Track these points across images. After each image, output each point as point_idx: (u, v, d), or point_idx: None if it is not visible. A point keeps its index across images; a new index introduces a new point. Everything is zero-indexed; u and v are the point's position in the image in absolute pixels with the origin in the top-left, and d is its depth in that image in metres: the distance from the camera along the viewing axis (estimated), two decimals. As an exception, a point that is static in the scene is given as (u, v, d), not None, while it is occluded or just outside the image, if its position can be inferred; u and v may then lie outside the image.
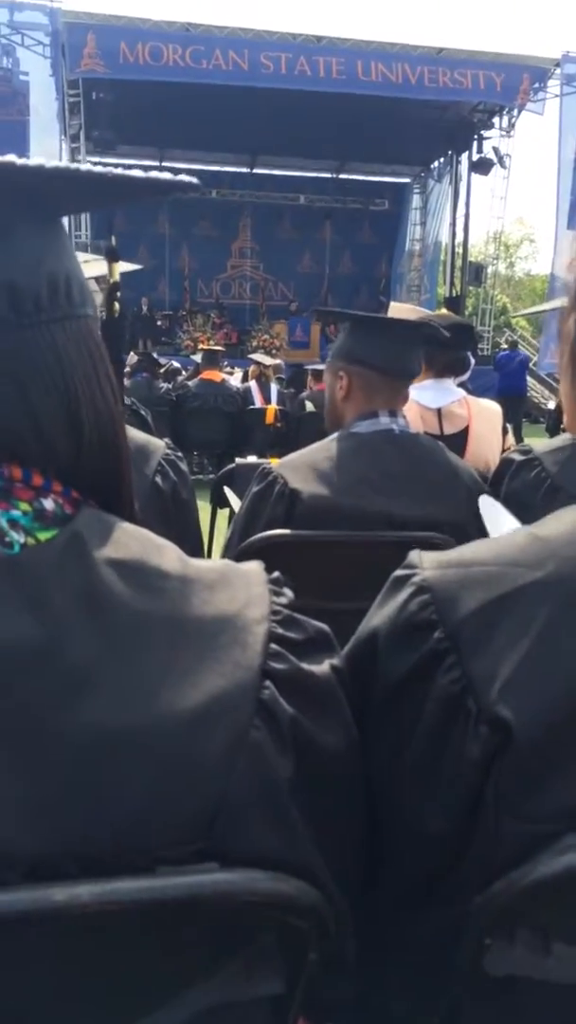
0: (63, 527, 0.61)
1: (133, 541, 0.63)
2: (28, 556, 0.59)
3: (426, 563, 0.72)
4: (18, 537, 0.60)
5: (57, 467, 0.64)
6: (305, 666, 0.64)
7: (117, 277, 1.05)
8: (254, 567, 0.70)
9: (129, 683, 0.57)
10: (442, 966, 0.68)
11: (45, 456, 0.63)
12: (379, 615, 0.73)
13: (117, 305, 1.04)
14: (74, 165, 0.61)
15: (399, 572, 0.74)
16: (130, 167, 0.69)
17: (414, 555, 0.74)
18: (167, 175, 0.63)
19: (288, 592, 0.68)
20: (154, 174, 0.63)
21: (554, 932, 0.67)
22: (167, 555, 0.64)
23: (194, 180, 0.61)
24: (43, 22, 15.33)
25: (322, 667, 0.65)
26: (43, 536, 0.61)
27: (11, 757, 0.55)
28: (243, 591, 0.65)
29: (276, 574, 0.70)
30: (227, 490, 2.67)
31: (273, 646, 0.63)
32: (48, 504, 0.62)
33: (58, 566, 0.59)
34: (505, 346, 15.61)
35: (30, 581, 0.58)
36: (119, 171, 0.62)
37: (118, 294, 1.04)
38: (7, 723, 0.56)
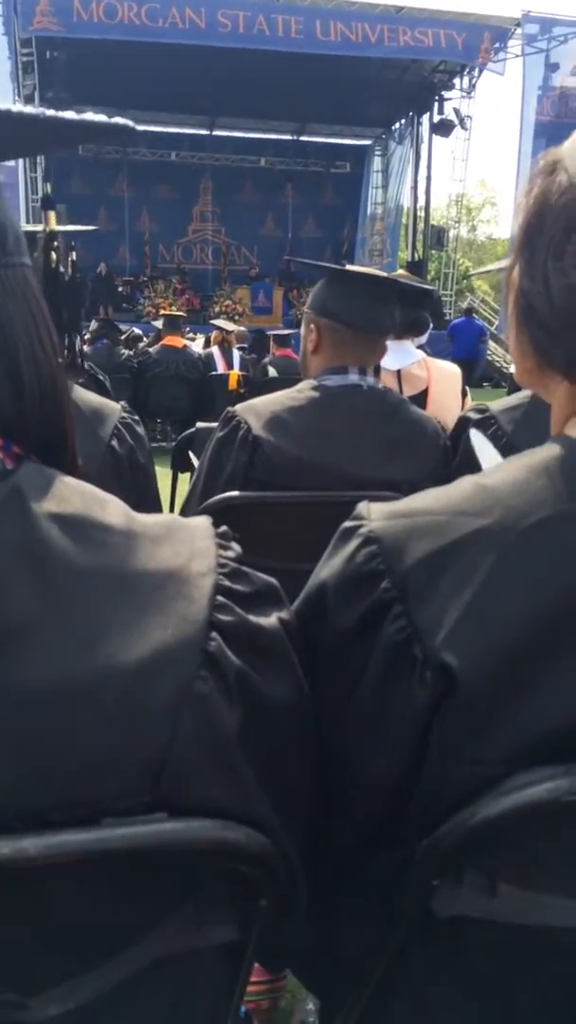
0: (3, 482, 0.60)
1: (75, 495, 0.63)
2: None
3: (374, 514, 0.72)
4: None
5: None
6: (252, 618, 0.64)
7: (54, 226, 1.03)
8: (201, 521, 0.70)
9: (71, 637, 0.57)
10: (391, 909, 0.69)
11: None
12: (327, 567, 0.73)
13: (55, 255, 1.02)
14: (4, 106, 0.59)
15: (347, 524, 0.74)
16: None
17: (362, 506, 0.74)
18: (101, 117, 0.61)
19: (235, 546, 0.68)
20: (89, 116, 0.61)
21: (500, 873, 0.68)
22: (110, 509, 0.64)
23: (129, 123, 0.59)
24: (-8, -23, 14.88)
25: (270, 619, 0.65)
26: None
27: None
28: (188, 545, 0.65)
29: (223, 528, 0.69)
30: (191, 454, 2.65)
31: (219, 598, 0.63)
32: None
33: None
34: (460, 315, 15.58)
35: None
36: (51, 113, 0.60)
37: (56, 244, 1.02)
38: None
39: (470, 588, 0.64)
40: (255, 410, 1.81)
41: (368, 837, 0.71)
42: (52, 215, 1.02)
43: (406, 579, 0.66)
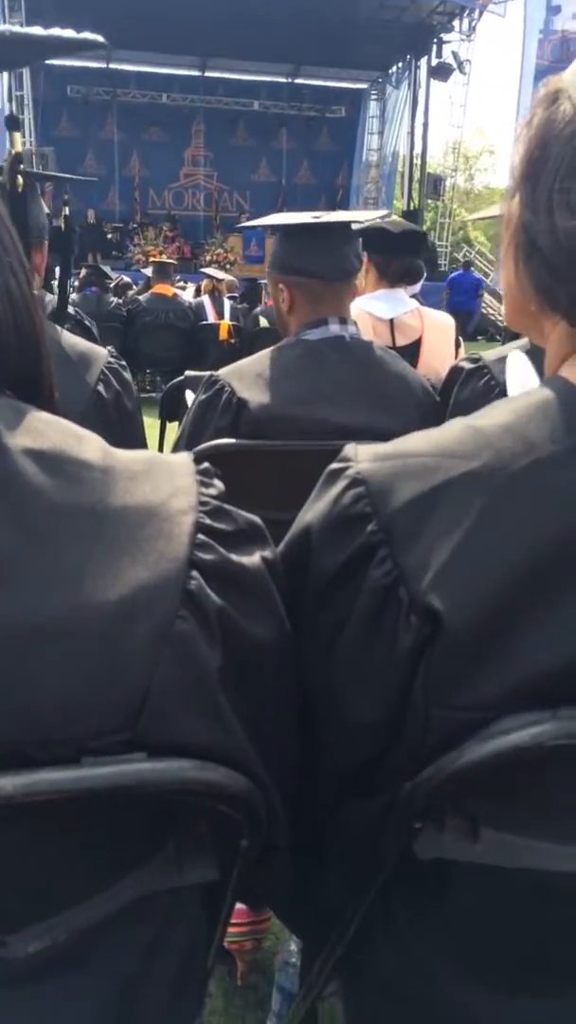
0: None
1: (52, 430, 0.61)
2: None
3: (361, 456, 0.71)
4: None
5: None
6: (234, 557, 0.63)
7: (19, 148, 1.00)
8: (182, 457, 0.68)
9: (49, 574, 0.56)
10: (374, 851, 0.69)
11: None
12: (313, 509, 0.72)
13: (20, 179, 0.99)
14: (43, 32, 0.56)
15: (334, 465, 0.72)
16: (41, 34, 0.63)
17: (349, 448, 0.73)
18: (70, 33, 0.58)
19: (218, 483, 0.67)
20: (56, 31, 0.58)
21: (482, 817, 0.68)
22: (88, 445, 0.62)
23: (99, 38, 0.56)
24: None
25: (252, 558, 0.64)
26: None
27: None
28: (168, 481, 0.64)
29: (205, 465, 0.68)
30: (188, 393, 2.61)
31: (200, 536, 0.61)
32: None
33: None
34: (459, 267, 15.62)
35: None
36: (18, 30, 0.57)
37: (21, 167, 0.99)
38: None
39: (458, 531, 0.63)
40: (238, 372, 1.80)
41: (351, 781, 0.71)
42: (17, 136, 0.99)
43: (393, 521, 0.65)
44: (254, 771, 0.63)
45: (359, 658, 0.66)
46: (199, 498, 0.64)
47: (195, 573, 0.60)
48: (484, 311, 16.63)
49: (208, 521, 0.63)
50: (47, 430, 0.60)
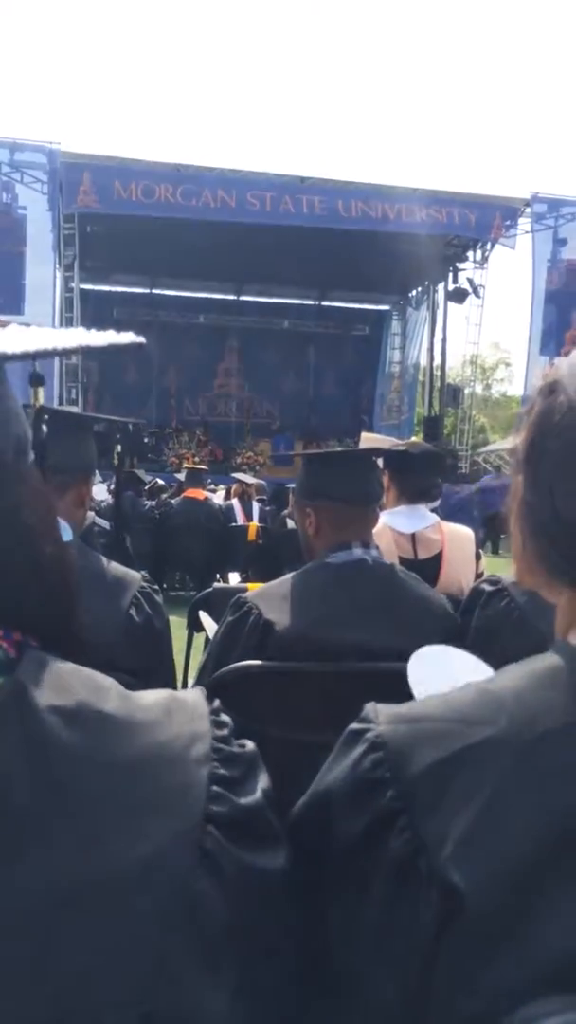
0: (8, 675, 0.62)
1: (76, 684, 0.64)
2: None
3: (381, 718, 0.73)
4: None
5: (3, 614, 0.65)
6: (243, 802, 0.64)
7: (41, 401, 1.16)
8: (196, 698, 0.71)
9: (73, 835, 0.57)
10: None
11: (2, 608, 0.65)
12: (333, 772, 0.73)
13: (44, 428, 1.15)
14: (50, 344, 0.65)
15: (354, 726, 0.74)
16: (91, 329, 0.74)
17: (369, 708, 0.75)
18: (126, 337, 0.68)
19: (227, 720, 0.70)
20: (111, 334, 0.68)
21: None
22: (109, 695, 0.65)
23: (140, 339, 0.67)
24: (42, 161, 16.25)
25: (255, 797, 0.66)
26: None
27: None
28: (187, 726, 0.66)
29: (216, 703, 0.71)
30: (203, 615, 2.68)
31: (214, 788, 0.63)
32: None
33: (1, 718, 0.60)
34: (491, 470, 16.39)
35: None
36: (83, 342, 0.67)
37: (45, 417, 1.16)
38: None
39: (477, 800, 0.64)
40: (264, 595, 1.87)
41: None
42: (40, 391, 1.14)
43: (413, 788, 0.66)
44: None
45: (381, 931, 0.65)
46: (212, 745, 0.66)
47: (211, 828, 0.61)
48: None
49: (221, 771, 0.65)
50: (72, 684, 0.64)
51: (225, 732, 0.68)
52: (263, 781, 0.68)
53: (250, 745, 0.70)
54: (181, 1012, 0.57)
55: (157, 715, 0.66)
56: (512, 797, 0.63)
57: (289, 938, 0.68)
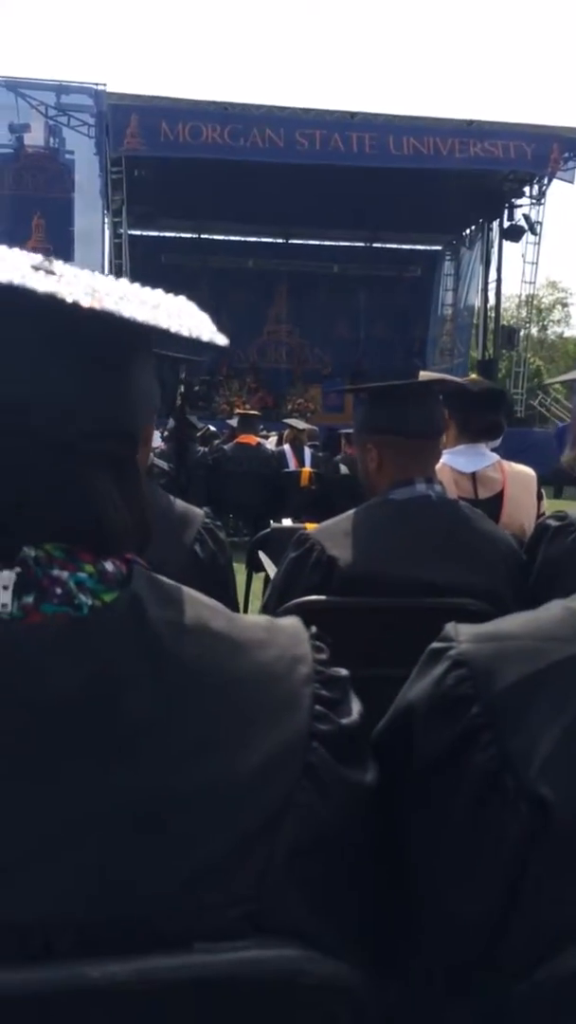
0: (123, 589, 0.64)
1: (186, 602, 0.66)
2: (95, 618, 0.62)
3: (462, 636, 0.72)
4: (86, 599, 0.63)
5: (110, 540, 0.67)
6: (345, 722, 0.66)
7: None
8: (295, 624, 0.73)
9: (183, 744, 0.59)
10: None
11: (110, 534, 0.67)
12: (415, 689, 0.73)
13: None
14: (174, 327, 0.66)
15: (436, 645, 0.74)
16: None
17: (450, 628, 0.74)
18: (212, 337, 0.67)
19: (324, 645, 0.71)
20: (197, 327, 0.67)
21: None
22: (217, 616, 0.67)
23: (224, 340, 0.67)
24: (88, 104, 16.07)
25: (353, 718, 0.68)
26: (107, 597, 0.63)
27: (66, 812, 0.56)
28: (289, 650, 0.68)
29: (314, 629, 0.73)
30: (262, 554, 2.69)
31: (318, 707, 0.65)
32: (109, 566, 0.65)
33: (121, 628, 0.62)
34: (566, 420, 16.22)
35: (98, 642, 0.61)
36: (192, 333, 0.67)
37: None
38: (66, 778, 0.57)
39: (564, 717, 0.63)
40: (327, 531, 1.86)
41: (454, 983, 0.68)
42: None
43: (497, 705, 0.66)
44: (352, 957, 0.62)
45: (464, 847, 0.66)
46: (314, 667, 0.68)
47: (315, 744, 0.63)
48: None
49: (324, 692, 0.66)
50: (182, 601, 0.66)
51: (324, 656, 0.70)
52: (357, 704, 0.70)
53: (344, 671, 0.71)
54: (275, 916, 0.58)
55: (261, 636, 0.68)
56: None
57: (374, 853, 0.69)
